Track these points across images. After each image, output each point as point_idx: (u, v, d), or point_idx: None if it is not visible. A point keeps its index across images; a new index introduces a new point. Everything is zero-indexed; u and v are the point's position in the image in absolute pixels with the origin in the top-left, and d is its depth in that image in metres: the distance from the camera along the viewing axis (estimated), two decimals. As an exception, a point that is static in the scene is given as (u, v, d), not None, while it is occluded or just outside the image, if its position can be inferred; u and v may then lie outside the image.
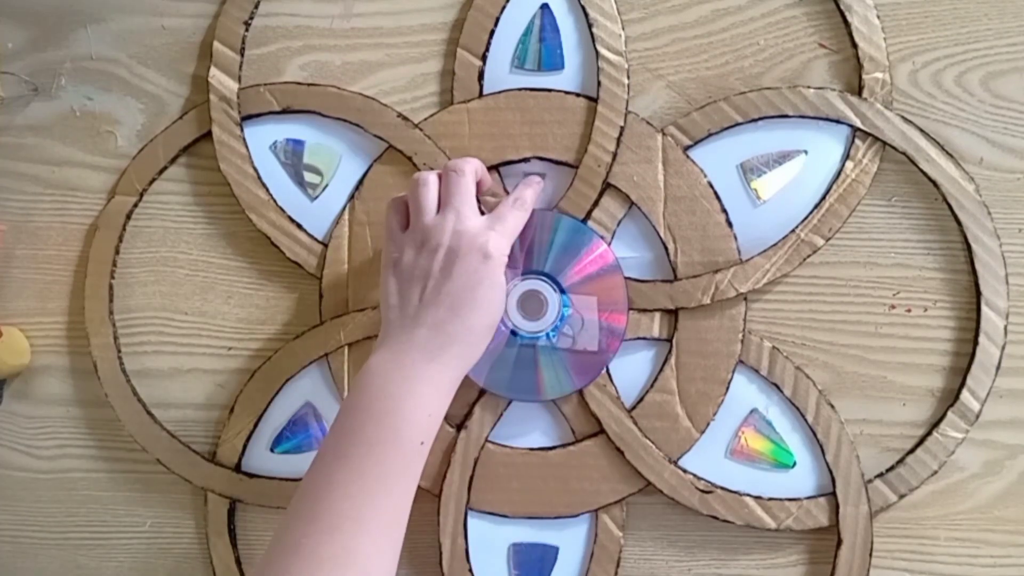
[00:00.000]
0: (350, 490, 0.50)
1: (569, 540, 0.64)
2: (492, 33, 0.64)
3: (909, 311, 0.63)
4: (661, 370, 0.63)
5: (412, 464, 0.53)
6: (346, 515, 0.50)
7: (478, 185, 0.60)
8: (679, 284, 0.62)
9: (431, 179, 0.58)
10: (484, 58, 0.64)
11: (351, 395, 0.54)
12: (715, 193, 0.62)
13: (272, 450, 0.66)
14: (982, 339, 0.61)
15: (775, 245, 0.62)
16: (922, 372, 0.63)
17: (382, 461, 0.52)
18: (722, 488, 0.62)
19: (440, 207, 0.57)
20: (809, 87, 0.62)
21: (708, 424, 0.63)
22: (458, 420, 0.64)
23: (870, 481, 0.62)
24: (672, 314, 0.63)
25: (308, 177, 0.66)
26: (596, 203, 0.63)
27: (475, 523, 0.64)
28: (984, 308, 0.61)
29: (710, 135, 0.63)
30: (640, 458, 0.62)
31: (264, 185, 0.65)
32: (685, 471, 0.63)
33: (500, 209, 0.59)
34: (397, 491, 0.52)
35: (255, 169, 0.65)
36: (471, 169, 0.58)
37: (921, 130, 0.61)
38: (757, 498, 0.62)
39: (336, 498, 0.50)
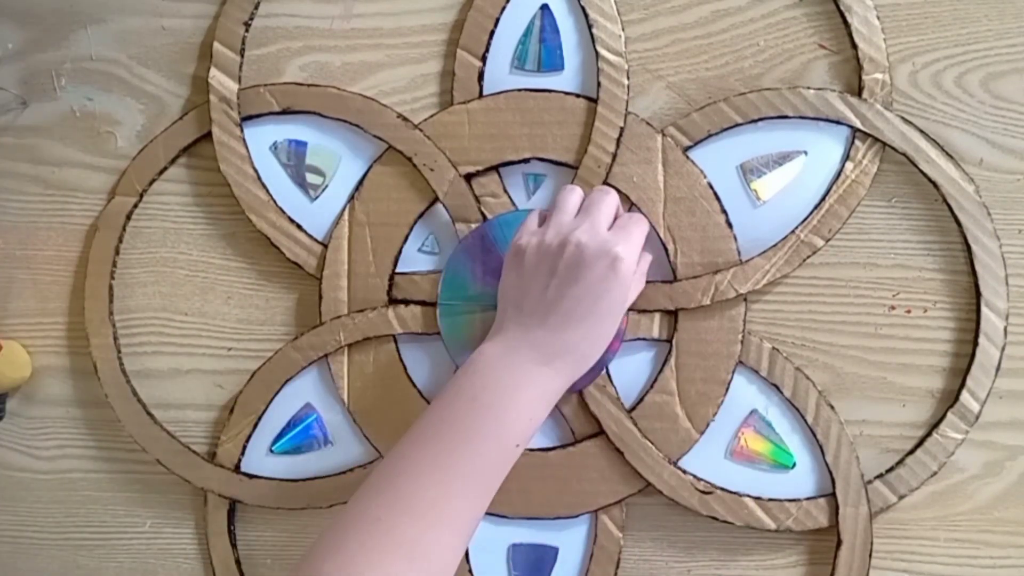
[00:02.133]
0: (438, 476, 0.49)
1: (569, 541, 0.64)
2: (492, 34, 0.64)
3: (909, 312, 0.63)
4: (661, 371, 0.63)
5: (503, 464, 0.52)
6: (431, 503, 0.49)
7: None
8: (679, 285, 0.62)
9: (578, 190, 0.60)
10: (484, 59, 0.64)
11: (458, 378, 0.53)
12: (715, 194, 0.62)
13: (272, 451, 0.66)
14: (982, 340, 0.61)
15: (775, 246, 0.62)
16: (922, 373, 0.63)
17: (476, 455, 0.50)
18: (722, 489, 0.62)
19: (578, 214, 0.58)
20: (809, 88, 0.62)
21: (708, 425, 0.63)
22: (458, 421, 0.64)
23: (870, 482, 0.62)
24: (672, 315, 0.63)
25: (310, 178, 0.66)
26: (596, 204, 0.63)
27: (475, 524, 0.64)
28: (984, 309, 0.61)
29: (710, 136, 0.63)
30: (640, 459, 0.62)
31: (264, 186, 0.65)
32: (685, 472, 0.63)
33: (622, 222, 0.58)
34: (483, 488, 0.51)
35: (255, 170, 0.65)
36: (616, 196, 0.59)
37: (921, 131, 0.61)
38: (757, 499, 0.62)
39: (423, 483, 0.49)
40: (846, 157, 0.62)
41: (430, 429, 0.52)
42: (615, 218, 0.59)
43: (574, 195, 0.59)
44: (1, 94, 0.66)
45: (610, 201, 0.58)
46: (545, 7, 0.64)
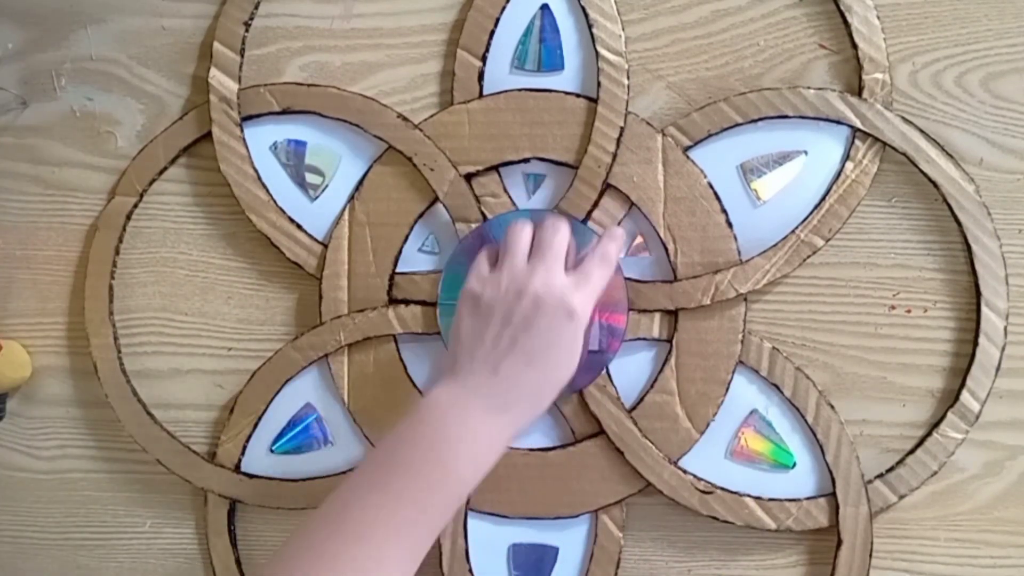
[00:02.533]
0: (383, 519, 0.50)
1: (569, 540, 0.64)
2: (492, 34, 0.64)
3: (909, 312, 0.63)
4: (661, 371, 0.63)
5: (448, 511, 0.52)
6: (376, 526, 0.49)
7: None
8: (679, 285, 0.62)
9: (528, 228, 0.58)
10: (484, 59, 0.64)
11: (408, 425, 0.53)
12: (715, 194, 0.62)
13: (272, 450, 0.66)
14: (982, 340, 0.61)
15: (775, 246, 0.62)
16: (922, 373, 0.63)
17: (422, 503, 0.50)
18: (722, 489, 0.62)
19: (531, 256, 0.57)
20: (809, 88, 0.62)
21: (708, 425, 0.63)
22: (458, 421, 0.64)
23: (870, 482, 0.62)
24: (672, 315, 0.63)
25: (310, 178, 0.66)
26: (596, 204, 0.63)
27: (475, 523, 0.64)
28: (984, 309, 0.61)
29: (710, 136, 0.63)
30: (640, 459, 0.62)
31: (264, 186, 0.65)
32: (685, 472, 0.63)
33: (586, 266, 0.57)
34: (426, 530, 0.51)
35: (255, 170, 0.65)
36: (567, 229, 0.58)
37: (921, 131, 0.61)
38: (757, 499, 0.62)
39: (368, 512, 0.50)
40: (846, 157, 0.62)
41: (375, 470, 0.52)
42: (572, 252, 0.59)
43: (524, 234, 0.58)
44: (1, 94, 0.66)
45: (561, 239, 0.57)
46: (545, 7, 0.64)
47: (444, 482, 0.51)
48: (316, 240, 0.65)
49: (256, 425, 0.65)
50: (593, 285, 0.56)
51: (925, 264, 0.63)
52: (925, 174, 0.61)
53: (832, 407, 0.62)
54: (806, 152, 0.63)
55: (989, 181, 0.62)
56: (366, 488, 0.51)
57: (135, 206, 0.67)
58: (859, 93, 0.62)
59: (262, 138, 0.66)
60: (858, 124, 0.61)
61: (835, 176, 0.62)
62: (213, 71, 0.65)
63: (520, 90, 0.64)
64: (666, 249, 0.63)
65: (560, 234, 0.57)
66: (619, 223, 0.63)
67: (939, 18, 0.62)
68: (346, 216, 0.65)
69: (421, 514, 0.50)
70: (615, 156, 0.63)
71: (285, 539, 0.51)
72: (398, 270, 0.65)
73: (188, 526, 0.67)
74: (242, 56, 0.66)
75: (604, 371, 0.63)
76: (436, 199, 0.64)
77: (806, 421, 0.62)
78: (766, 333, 0.63)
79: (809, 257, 0.62)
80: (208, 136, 0.65)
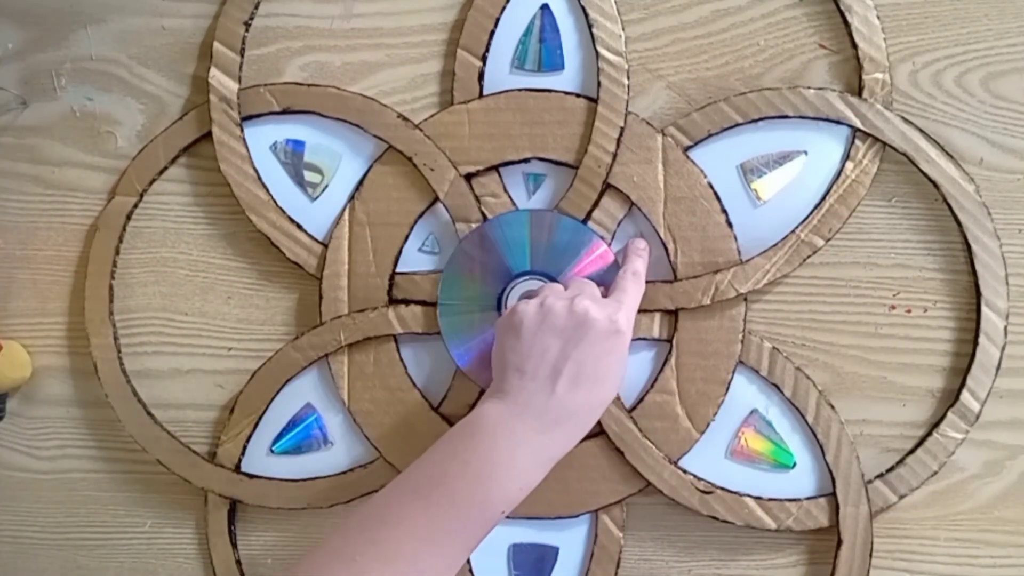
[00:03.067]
0: (419, 531, 0.49)
1: (569, 540, 0.64)
2: (492, 34, 0.64)
3: (909, 312, 0.63)
4: (661, 370, 0.63)
5: (486, 527, 0.51)
6: (407, 553, 0.49)
7: None
8: (679, 284, 0.62)
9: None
10: (484, 59, 0.64)
11: (454, 437, 0.53)
12: (715, 194, 0.62)
13: (272, 451, 0.66)
14: (982, 340, 0.61)
15: (775, 246, 0.62)
16: (922, 373, 0.63)
17: (460, 518, 0.50)
18: (722, 489, 0.62)
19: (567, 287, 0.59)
20: (809, 88, 0.62)
21: (708, 425, 0.63)
22: (458, 420, 0.64)
23: (870, 482, 0.62)
24: (672, 314, 0.63)
25: (309, 176, 0.66)
26: (596, 204, 0.63)
27: (475, 523, 0.64)
28: (984, 309, 0.61)
29: (710, 136, 0.63)
30: (640, 458, 0.62)
31: (264, 186, 0.65)
32: (685, 471, 0.63)
33: (621, 283, 0.58)
34: (462, 547, 0.51)
35: (255, 169, 0.65)
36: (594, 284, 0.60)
37: (921, 131, 0.61)
38: (757, 499, 0.62)
39: (403, 534, 0.49)
40: (846, 157, 0.62)
41: (419, 483, 0.52)
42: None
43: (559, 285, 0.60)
44: (1, 94, 0.66)
45: (592, 283, 0.59)
46: (545, 7, 0.64)
47: (488, 499, 0.51)
48: (316, 240, 0.65)
49: (256, 425, 0.65)
50: (631, 301, 0.57)
51: (925, 264, 0.63)
52: (925, 174, 0.61)
53: (832, 407, 0.62)
54: (806, 152, 0.63)
55: (989, 181, 0.62)
56: (409, 496, 0.51)
57: (135, 206, 0.67)
58: (859, 93, 0.62)
59: (262, 138, 0.66)
60: (858, 124, 0.61)
61: (835, 176, 0.62)
62: (213, 71, 0.65)
63: (520, 90, 0.64)
64: (666, 249, 0.63)
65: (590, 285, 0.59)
66: (619, 223, 0.63)
67: (939, 18, 0.62)
68: (346, 216, 0.65)
69: (461, 529, 0.50)
70: (615, 156, 0.63)
71: (320, 540, 0.51)
72: (398, 270, 0.65)
73: (188, 526, 0.67)
74: (242, 56, 0.66)
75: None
76: (436, 199, 0.64)
77: (806, 421, 0.62)
78: (766, 333, 0.63)
79: (809, 257, 0.62)
80: (208, 136, 0.65)
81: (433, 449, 0.53)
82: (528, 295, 0.60)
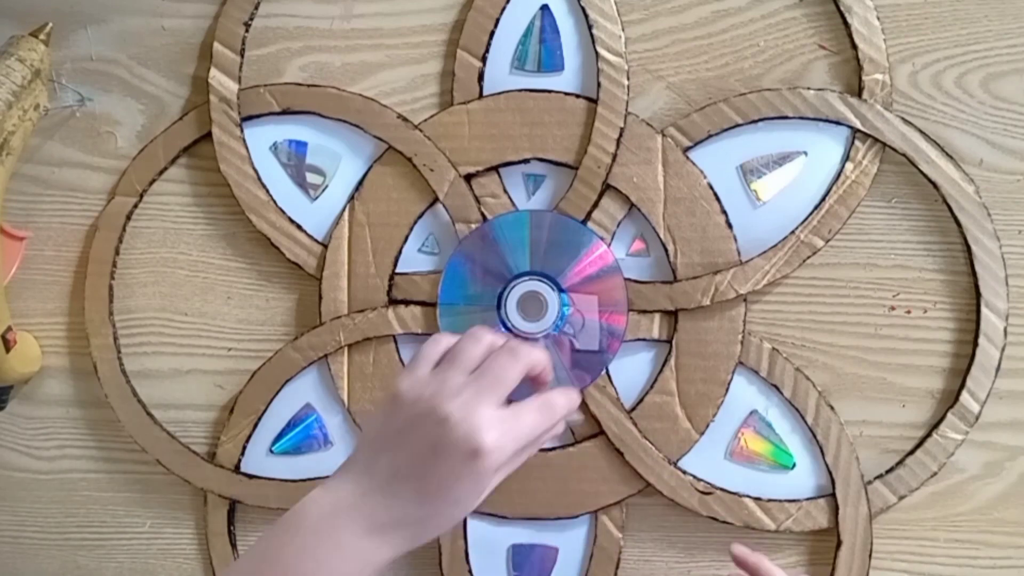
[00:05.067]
0: None
1: (569, 541, 0.64)
2: (492, 34, 0.64)
3: (909, 312, 0.63)
4: (661, 371, 0.63)
5: None
6: None
7: (536, 379, 0.52)
8: (679, 285, 0.62)
9: (487, 339, 0.51)
10: (484, 59, 0.64)
11: (279, 533, 0.48)
12: (715, 194, 0.62)
13: (271, 451, 0.66)
14: (982, 341, 0.61)
15: (775, 246, 0.62)
16: (922, 373, 0.63)
17: None
18: (721, 489, 0.62)
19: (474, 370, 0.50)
20: (809, 88, 0.62)
21: (708, 425, 0.63)
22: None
23: (870, 482, 0.62)
24: (672, 315, 0.63)
25: (311, 178, 0.66)
26: (596, 204, 0.63)
27: (474, 524, 0.64)
28: (984, 310, 0.61)
29: (710, 136, 0.63)
30: (640, 459, 0.62)
31: (264, 186, 0.65)
32: (685, 472, 0.63)
33: (522, 407, 0.49)
34: None
35: (255, 170, 0.65)
36: (526, 360, 0.50)
37: (921, 131, 0.61)
38: (756, 499, 0.62)
39: None
40: (846, 157, 0.62)
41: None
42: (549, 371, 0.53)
43: (479, 344, 0.51)
44: (64, 91, 0.66)
45: (512, 368, 0.49)
46: (545, 7, 0.64)
47: None
48: (316, 240, 0.65)
49: (256, 425, 0.65)
50: (521, 429, 0.48)
51: (925, 265, 0.63)
52: (925, 175, 0.61)
53: (832, 408, 0.62)
54: (806, 153, 0.63)
55: (989, 182, 0.62)
56: None
57: (135, 206, 0.67)
58: (859, 94, 0.62)
59: (262, 138, 0.66)
60: (858, 125, 0.61)
61: (835, 177, 0.62)
62: (213, 71, 0.65)
63: (520, 90, 0.64)
64: (666, 250, 0.63)
65: (515, 363, 0.50)
66: (619, 224, 0.63)
67: (939, 19, 0.62)
68: (346, 216, 0.65)
69: None
70: (615, 157, 0.63)
71: None
72: (398, 270, 0.65)
73: (188, 526, 0.67)
74: (242, 56, 0.66)
75: (604, 371, 0.63)
76: (436, 199, 0.64)
77: (806, 422, 0.62)
78: (766, 334, 0.63)
79: (809, 258, 0.62)
80: (208, 136, 0.65)
81: (258, 544, 0.48)
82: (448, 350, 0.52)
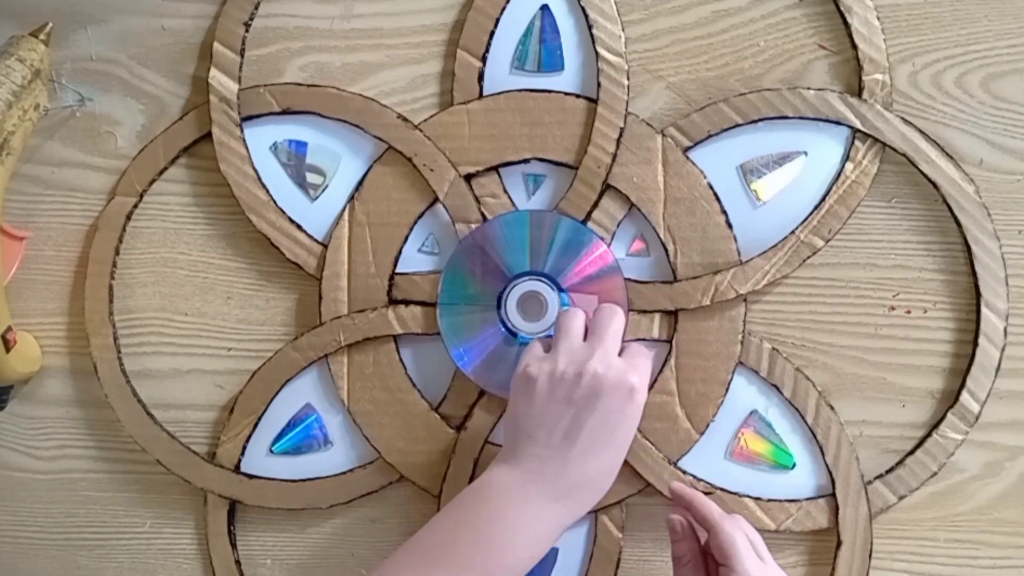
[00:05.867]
0: None
1: (568, 541, 0.64)
2: (492, 34, 0.64)
3: (909, 312, 0.63)
4: (660, 371, 0.63)
5: None
6: None
7: None
8: (679, 285, 0.62)
9: (581, 312, 0.58)
10: (484, 59, 0.64)
11: (465, 502, 0.52)
12: (715, 194, 0.62)
13: (272, 451, 0.66)
14: (982, 341, 0.61)
15: (775, 246, 0.62)
16: (922, 373, 0.63)
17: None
18: (722, 489, 0.62)
19: (587, 337, 0.57)
20: (809, 88, 0.62)
21: (708, 425, 0.63)
22: (458, 420, 0.64)
23: (870, 482, 0.62)
24: (672, 315, 0.63)
25: (311, 178, 0.66)
26: (596, 204, 0.63)
27: (475, 524, 0.64)
28: (984, 310, 0.61)
29: (710, 136, 0.63)
30: (639, 459, 0.62)
31: (264, 186, 0.65)
32: (685, 472, 0.63)
33: (633, 349, 0.58)
34: None
35: (255, 170, 0.65)
36: (623, 314, 0.58)
37: (921, 131, 0.61)
38: (756, 499, 0.62)
39: None
40: (846, 157, 0.62)
41: (429, 549, 0.51)
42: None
43: (578, 319, 0.58)
44: (64, 91, 0.66)
45: (618, 322, 0.57)
46: (545, 7, 0.64)
47: (499, 566, 0.50)
48: (316, 240, 0.65)
49: (256, 425, 0.65)
50: (646, 366, 0.56)
51: (925, 265, 0.63)
52: (925, 175, 0.61)
53: (832, 408, 0.62)
54: (806, 153, 0.63)
55: (989, 182, 0.62)
56: (419, 562, 0.50)
57: (135, 206, 0.67)
58: (859, 94, 0.62)
59: (262, 138, 0.66)
60: (858, 125, 0.61)
61: (835, 177, 0.62)
62: (213, 71, 0.65)
63: (520, 90, 0.64)
64: (666, 250, 0.63)
65: (617, 318, 0.57)
66: (619, 224, 0.63)
67: (939, 19, 0.62)
68: (346, 216, 0.65)
69: None
70: (615, 157, 0.63)
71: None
72: (398, 270, 0.65)
73: (188, 526, 0.67)
74: (242, 56, 0.66)
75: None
76: (436, 199, 0.64)
77: (806, 422, 0.62)
78: (766, 334, 0.63)
79: (809, 258, 0.62)
80: (208, 136, 0.65)
81: (443, 514, 0.53)
82: (544, 345, 0.58)
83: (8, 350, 0.63)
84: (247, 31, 0.66)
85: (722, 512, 0.56)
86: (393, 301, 0.65)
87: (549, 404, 0.54)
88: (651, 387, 0.62)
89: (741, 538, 0.54)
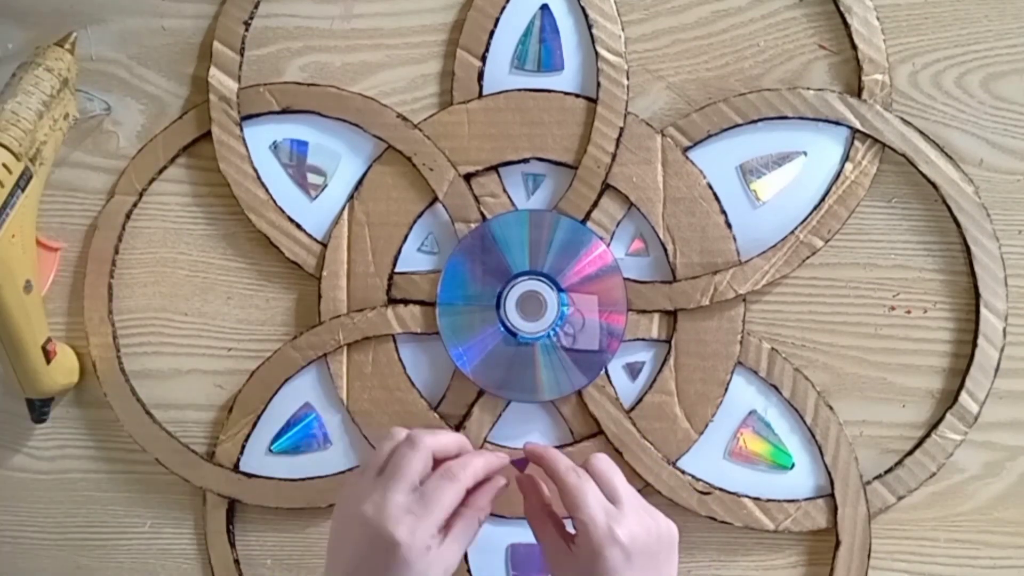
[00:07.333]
0: None
1: (568, 541, 0.64)
2: (492, 34, 0.64)
3: (909, 312, 0.63)
4: (660, 371, 0.63)
5: None
6: None
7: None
8: (678, 285, 0.62)
9: (394, 437, 0.54)
10: (484, 59, 0.64)
11: None
12: (714, 194, 0.62)
13: (271, 450, 0.66)
14: (981, 341, 0.61)
15: (774, 246, 0.62)
16: (921, 373, 0.63)
17: None
18: (720, 489, 0.62)
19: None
20: (809, 88, 0.62)
21: (707, 425, 0.63)
22: (457, 420, 0.64)
23: (869, 483, 0.62)
24: (671, 315, 0.63)
25: (310, 178, 0.66)
26: (595, 204, 0.63)
27: (474, 524, 0.64)
28: (983, 310, 0.61)
29: (710, 136, 0.63)
30: (639, 459, 0.62)
31: (263, 185, 0.65)
32: (683, 472, 0.63)
33: (428, 483, 0.51)
34: None
35: (255, 169, 0.65)
36: (427, 445, 0.52)
37: (920, 132, 0.61)
38: (755, 499, 0.62)
39: None
40: (845, 158, 0.62)
41: None
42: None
43: (386, 444, 0.53)
44: (89, 101, 0.66)
45: (410, 460, 0.51)
46: (545, 7, 0.64)
47: None
48: (315, 240, 0.65)
49: (255, 425, 0.65)
50: (435, 506, 0.50)
51: (925, 265, 0.63)
52: (924, 175, 0.61)
53: (831, 408, 0.62)
54: (805, 153, 0.63)
55: (989, 182, 0.62)
56: None
57: (134, 205, 0.67)
58: (859, 94, 0.62)
59: (262, 138, 0.66)
60: (857, 125, 0.61)
61: (834, 177, 0.62)
62: (213, 71, 0.65)
63: (520, 90, 0.64)
64: (665, 250, 0.63)
65: (412, 453, 0.52)
66: (618, 223, 0.63)
67: (939, 19, 0.62)
68: (345, 216, 0.65)
69: None
70: (614, 156, 0.63)
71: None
72: (397, 270, 0.65)
73: (187, 526, 0.67)
74: (242, 56, 0.66)
75: (603, 371, 0.63)
76: (435, 199, 0.64)
77: (805, 422, 0.62)
78: (765, 334, 0.63)
79: (808, 258, 0.62)
80: (208, 136, 0.65)
81: None
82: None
83: (49, 361, 0.63)
84: (247, 31, 0.66)
85: (569, 464, 0.54)
86: (392, 300, 0.65)
87: (336, 535, 0.52)
88: (650, 388, 0.63)
89: (586, 487, 0.52)
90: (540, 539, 0.55)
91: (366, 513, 0.50)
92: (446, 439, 0.54)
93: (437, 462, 0.53)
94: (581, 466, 0.54)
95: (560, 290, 0.63)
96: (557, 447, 0.64)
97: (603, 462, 0.55)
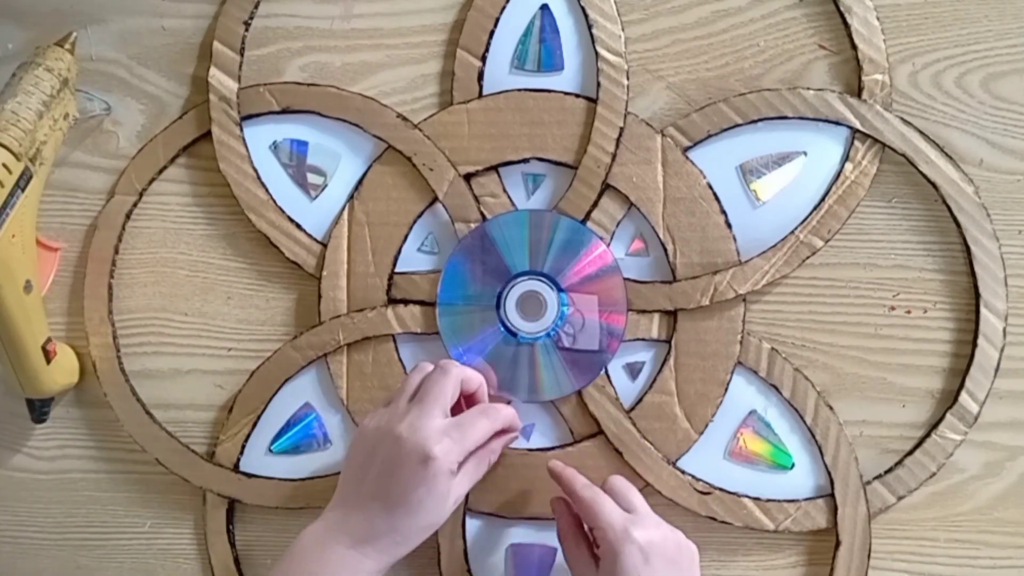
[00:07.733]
0: None
1: (568, 541, 0.64)
2: (492, 34, 0.64)
3: (909, 312, 0.63)
4: (660, 371, 0.63)
5: None
6: None
7: (472, 396, 0.59)
8: (678, 285, 0.62)
9: (422, 368, 0.58)
10: (484, 59, 0.64)
11: (282, 563, 0.54)
12: (714, 194, 0.62)
13: (271, 450, 0.66)
14: (981, 341, 0.61)
15: (774, 246, 0.62)
16: (922, 373, 0.63)
17: None
18: (720, 489, 0.62)
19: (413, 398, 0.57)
20: (809, 88, 0.62)
21: (707, 425, 0.63)
22: (457, 421, 0.64)
23: (869, 483, 0.62)
24: (671, 315, 0.63)
25: (310, 178, 0.66)
26: (595, 204, 0.63)
27: (473, 524, 0.64)
28: (983, 310, 0.61)
29: (710, 136, 0.63)
30: (639, 459, 0.62)
31: (263, 185, 0.65)
32: (684, 472, 0.63)
33: (467, 415, 0.57)
34: None
35: (255, 169, 0.65)
36: (456, 373, 0.57)
37: (920, 132, 0.61)
38: (755, 499, 0.62)
39: None
40: (845, 158, 0.62)
41: None
42: (468, 396, 0.59)
43: (415, 376, 0.58)
44: (89, 101, 0.66)
45: (443, 386, 0.56)
46: (545, 7, 0.64)
47: None
48: (315, 240, 0.65)
49: (255, 425, 0.65)
50: (466, 436, 0.55)
51: (925, 265, 0.63)
52: (924, 175, 0.61)
53: (831, 408, 0.62)
54: (805, 153, 0.63)
55: (989, 182, 0.62)
56: None
57: (134, 205, 0.67)
58: (859, 94, 0.62)
59: (262, 137, 0.66)
60: (857, 125, 0.61)
61: (834, 177, 0.62)
62: (213, 70, 0.65)
63: (520, 90, 0.64)
64: (665, 250, 0.63)
65: (445, 381, 0.56)
66: (618, 223, 0.63)
67: (939, 19, 0.62)
68: (345, 216, 0.65)
69: None
70: (614, 156, 0.63)
71: None
72: (397, 270, 0.65)
73: (187, 526, 0.67)
74: (242, 56, 0.66)
75: (603, 371, 0.63)
76: (435, 199, 0.64)
77: (805, 422, 0.62)
78: (765, 334, 0.63)
79: (808, 258, 0.62)
80: (208, 136, 0.65)
81: (274, 569, 0.55)
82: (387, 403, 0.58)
83: (49, 361, 0.63)
84: (247, 31, 0.66)
85: (585, 481, 0.58)
86: (392, 300, 0.65)
87: (363, 460, 0.55)
88: (650, 388, 0.63)
89: (602, 498, 0.56)
90: (570, 560, 0.58)
91: (401, 433, 0.54)
92: (470, 371, 0.59)
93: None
94: (598, 485, 0.58)
95: (560, 290, 0.63)
96: (557, 447, 0.64)
97: (620, 481, 0.58)
